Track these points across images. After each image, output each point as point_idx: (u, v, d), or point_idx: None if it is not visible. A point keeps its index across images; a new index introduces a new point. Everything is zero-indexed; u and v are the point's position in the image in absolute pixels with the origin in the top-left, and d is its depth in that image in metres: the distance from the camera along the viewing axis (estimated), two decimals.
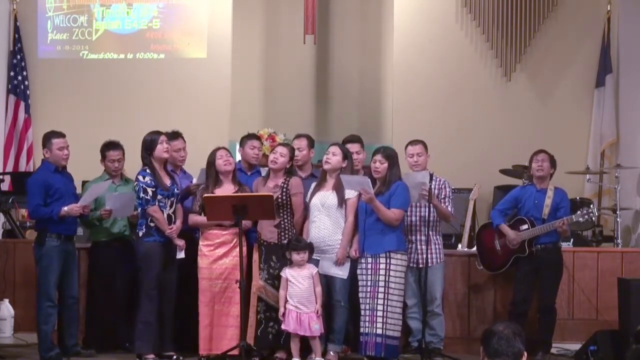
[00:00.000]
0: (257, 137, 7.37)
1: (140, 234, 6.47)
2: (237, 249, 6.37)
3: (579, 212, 6.70)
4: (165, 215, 6.46)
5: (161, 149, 6.50)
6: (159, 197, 6.42)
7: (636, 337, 6.26)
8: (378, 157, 6.46)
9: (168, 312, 6.52)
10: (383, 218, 6.31)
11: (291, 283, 6.31)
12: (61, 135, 6.57)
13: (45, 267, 6.41)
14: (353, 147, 6.91)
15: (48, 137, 6.55)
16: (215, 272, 6.46)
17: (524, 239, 6.73)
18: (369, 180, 6.38)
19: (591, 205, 7.08)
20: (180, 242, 6.47)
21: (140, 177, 6.44)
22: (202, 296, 6.47)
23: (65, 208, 6.35)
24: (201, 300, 6.47)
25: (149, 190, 6.39)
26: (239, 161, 7.24)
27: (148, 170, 6.45)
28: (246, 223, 6.45)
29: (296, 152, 6.90)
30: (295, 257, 6.30)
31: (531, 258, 6.73)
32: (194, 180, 6.93)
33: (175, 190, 6.54)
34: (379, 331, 6.25)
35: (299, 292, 6.29)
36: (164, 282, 6.48)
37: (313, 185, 6.63)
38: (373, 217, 6.35)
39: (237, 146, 7.50)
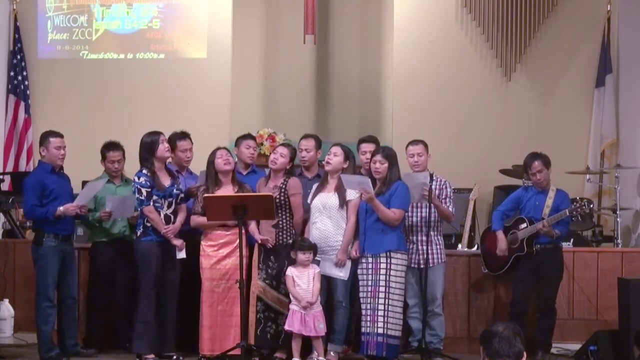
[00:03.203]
0: (252, 137, 7.34)
1: (138, 233, 6.48)
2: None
3: (572, 205, 6.62)
4: (163, 215, 6.44)
5: (163, 148, 6.49)
6: (155, 197, 6.40)
7: (637, 341, 6.28)
8: (378, 157, 6.46)
9: (170, 311, 6.51)
10: (383, 218, 6.31)
11: (295, 283, 6.31)
12: (59, 135, 6.57)
13: (43, 267, 6.41)
14: (368, 147, 6.86)
15: (46, 136, 6.55)
16: (219, 273, 6.46)
17: (522, 238, 6.73)
18: (369, 179, 6.38)
19: (584, 200, 6.96)
20: (178, 242, 6.45)
21: (136, 178, 6.44)
22: (204, 297, 6.47)
23: (61, 208, 6.35)
24: (204, 301, 6.46)
25: (144, 190, 6.38)
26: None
27: (144, 171, 6.43)
28: (252, 228, 6.51)
29: (303, 153, 6.87)
30: (301, 256, 6.30)
31: (531, 258, 6.73)
32: (199, 181, 6.90)
33: (175, 190, 6.52)
34: (380, 330, 6.25)
35: (303, 292, 6.28)
36: (165, 282, 6.47)
37: (315, 186, 6.62)
38: (373, 217, 6.35)
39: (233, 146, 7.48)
